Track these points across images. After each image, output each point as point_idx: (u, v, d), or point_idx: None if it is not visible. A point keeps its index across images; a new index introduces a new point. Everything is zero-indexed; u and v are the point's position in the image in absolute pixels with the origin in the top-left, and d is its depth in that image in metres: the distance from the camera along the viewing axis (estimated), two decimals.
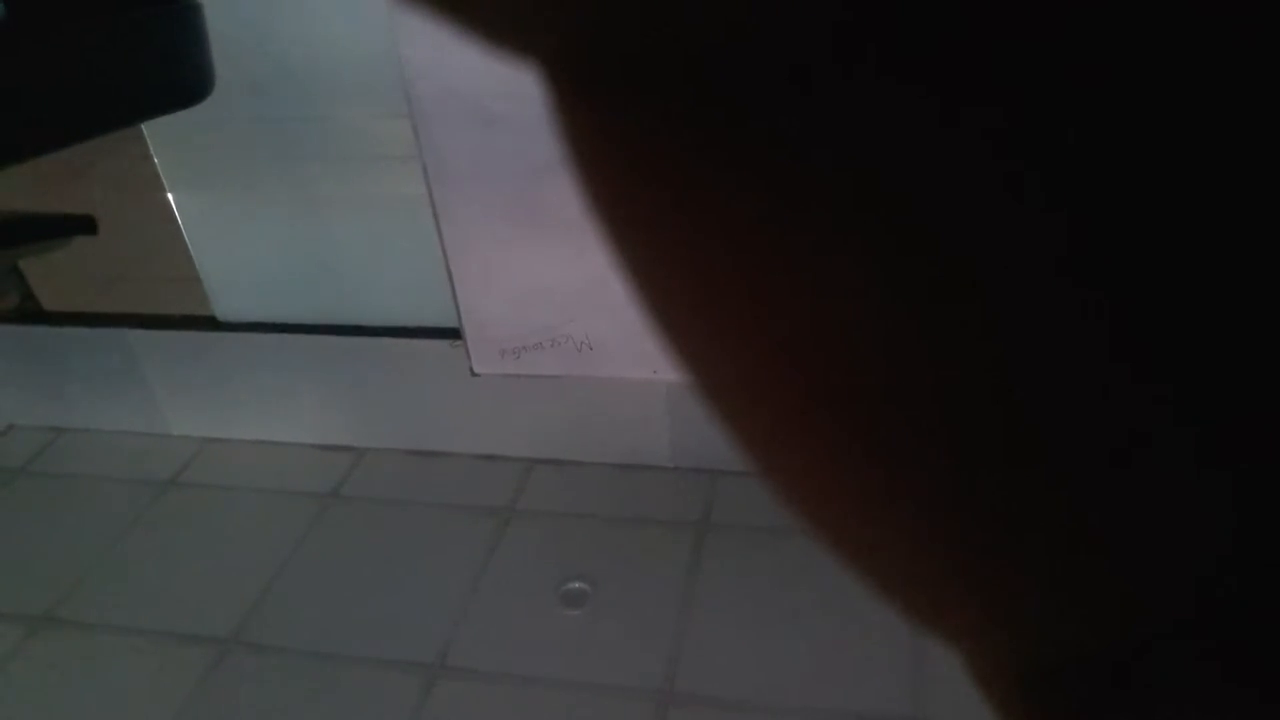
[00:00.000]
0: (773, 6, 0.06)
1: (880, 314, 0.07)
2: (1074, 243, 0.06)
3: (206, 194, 1.27)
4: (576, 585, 1.17)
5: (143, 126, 1.18)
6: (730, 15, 0.07)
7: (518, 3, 0.08)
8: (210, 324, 1.38)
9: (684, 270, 0.08)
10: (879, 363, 0.07)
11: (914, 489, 0.08)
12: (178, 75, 0.55)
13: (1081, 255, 0.06)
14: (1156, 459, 0.07)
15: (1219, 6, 0.06)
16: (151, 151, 1.23)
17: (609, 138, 0.08)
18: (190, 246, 1.31)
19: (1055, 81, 0.06)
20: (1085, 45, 0.06)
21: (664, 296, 0.09)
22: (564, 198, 1.02)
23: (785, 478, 0.09)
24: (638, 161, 0.08)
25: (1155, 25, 0.06)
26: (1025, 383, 0.07)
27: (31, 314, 1.46)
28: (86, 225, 0.64)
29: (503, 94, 0.99)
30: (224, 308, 1.36)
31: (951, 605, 0.09)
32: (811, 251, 0.07)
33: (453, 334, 1.22)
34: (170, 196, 1.27)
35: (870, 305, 0.07)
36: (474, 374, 1.21)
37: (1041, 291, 0.07)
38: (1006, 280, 0.07)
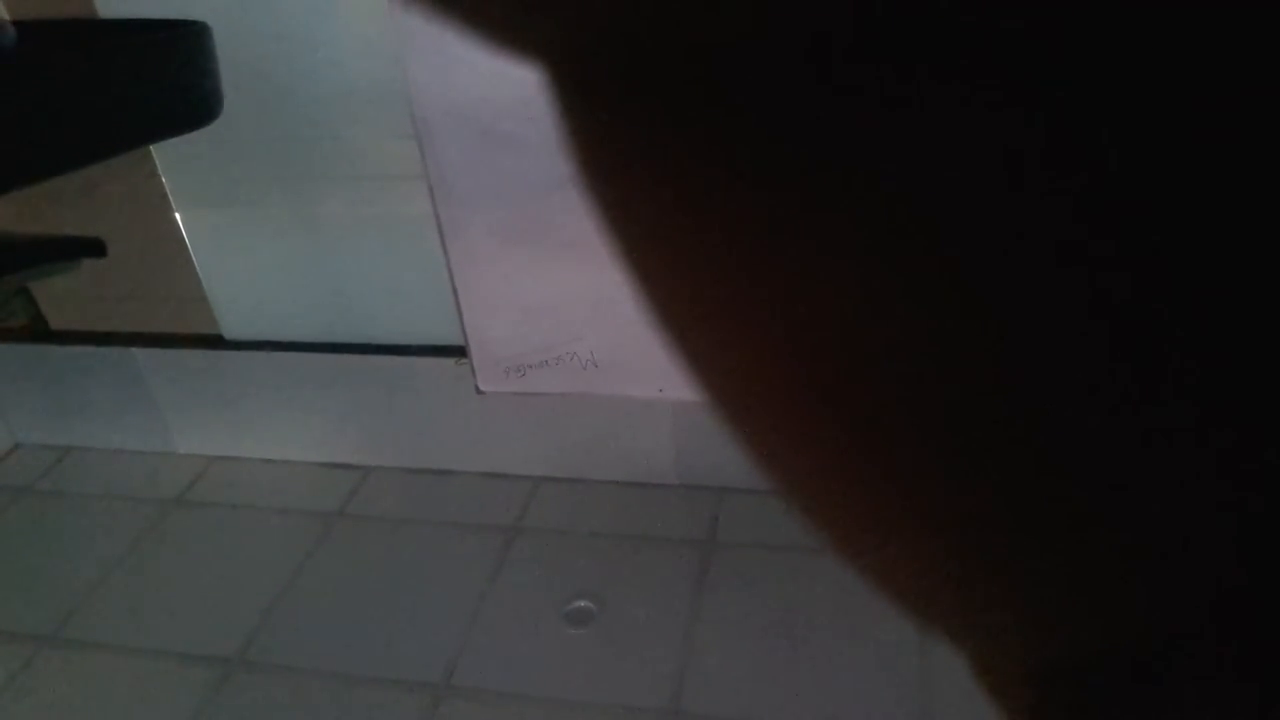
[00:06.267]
0: (779, 7, 0.06)
1: (885, 314, 0.07)
2: (1078, 243, 0.07)
3: (214, 213, 1.27)
4: (582, 604, 1.17)
5: (151, 146, 1.19)
6: (736, 16, 0.07)
7: (522, 2, 0.08)
8: (217, 343, 1.38)
9: (690, 273, 0.08)
10: (885, 363, 0.07)
11: (921, 490, 0.08)
12: (187, 97, 0.55)
13: (1086, 256, 0.07)
14: (1165, 459, 0.07)
15: (1222, 6, 0.06)
16: (159, 171, 1.24)
17: (613, 138, 0.08)
18: (197, 265, 1.31)
19: (1057, 81, 0.06)
20: (1087, 44, 0.06)
21: (670, 300, 0.09)
22: (569, 216, 1.03)
23: (792, 480, 0.09)
24: (642, 162, 0.08)
25: (1159, 23, 0.06)
26: (1031, 381, 0.07)
27: (39, 333, 1.46)
28: (95, 248, 0.64)
29: (508, 113, 1.00)
30: (231, 326, 1.37)
31: (959, 606, 0.09)
32: (817, 252, 0.07)
33: (458, 352, 1.22)
34: (178, 216, 1.28)
35: (875, 306, 0.07)
36: (479, 392, 1.20)
37: (1046, 291, 0.07)
38: (1011, 280, 0.07)
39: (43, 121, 0.47)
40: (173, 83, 0.55)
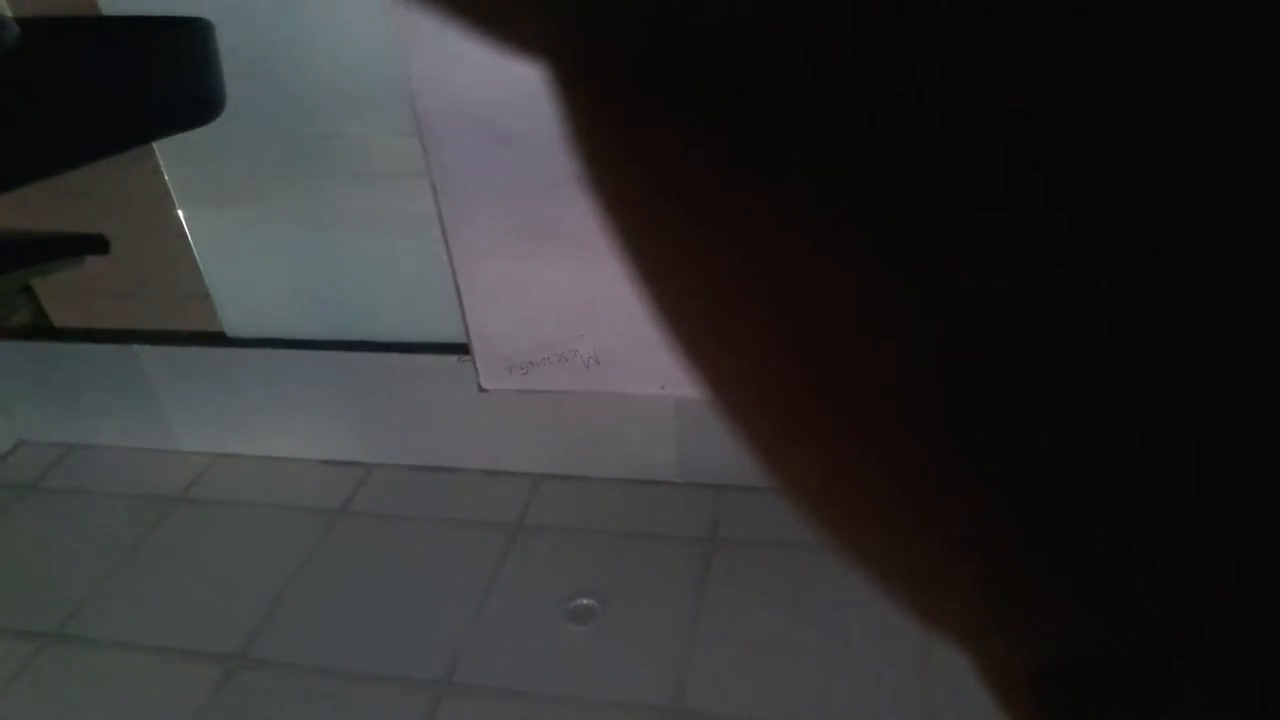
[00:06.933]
0: (780, 6, 0.06)
1: (886, 313, 0.07)
2: (1076, 241, 0.07)
3: (217, 210, 1.27)
4: (584, 601, 1.17)
5: (153, 143, 1.19)
6: (738, 15, 0.07)
7: (525, 2, 0.08)
8: (219, 340, 1.38)
9: (692, 271, 0.08)
10: (886, 362, 0.07)
11: (923, 489, 0.08)
12: (190, 95, 0.55)
13: (1084, 254, 0.07)
14: (1166, 459, 0.07)
15: (1219, 5, 0.06)
16: (162, 168, 1.24)
17: (617, 137, 0.08)
18: (200, 263, 1.32)
19: (1056, 79, 0.06)
20: (1087, 43, 0.06)
21: (672, 298, 0.09)
22: (572, 214, 1.03)
23: (794, 479, 0.09)
24: (644, 160, 0.08)
25: (1158, 23, 0.06)
26: (1031, 381, 0.07)
27: (41, 330, 1.47)
28: (98, 245, 0.64)
29: (511, 111, 1.00)
30: (233, 324, 1.37)
31: (962, 606, 0.09)
32: (817, 251, 0.07)
33: (461, 350, 1.22)
34: (180, 213, 1.28)
35: (876, 304, 0.07)
36: (482, 389, 1.21)
37: (1045, 290, 0.07)
38: (1010, 279, 0.07)
39: (46, 119, 0.48)
40: (175, 80, 0.55)
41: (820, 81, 0.07)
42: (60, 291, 1.43)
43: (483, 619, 1.16)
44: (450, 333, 1.22)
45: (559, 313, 1.13)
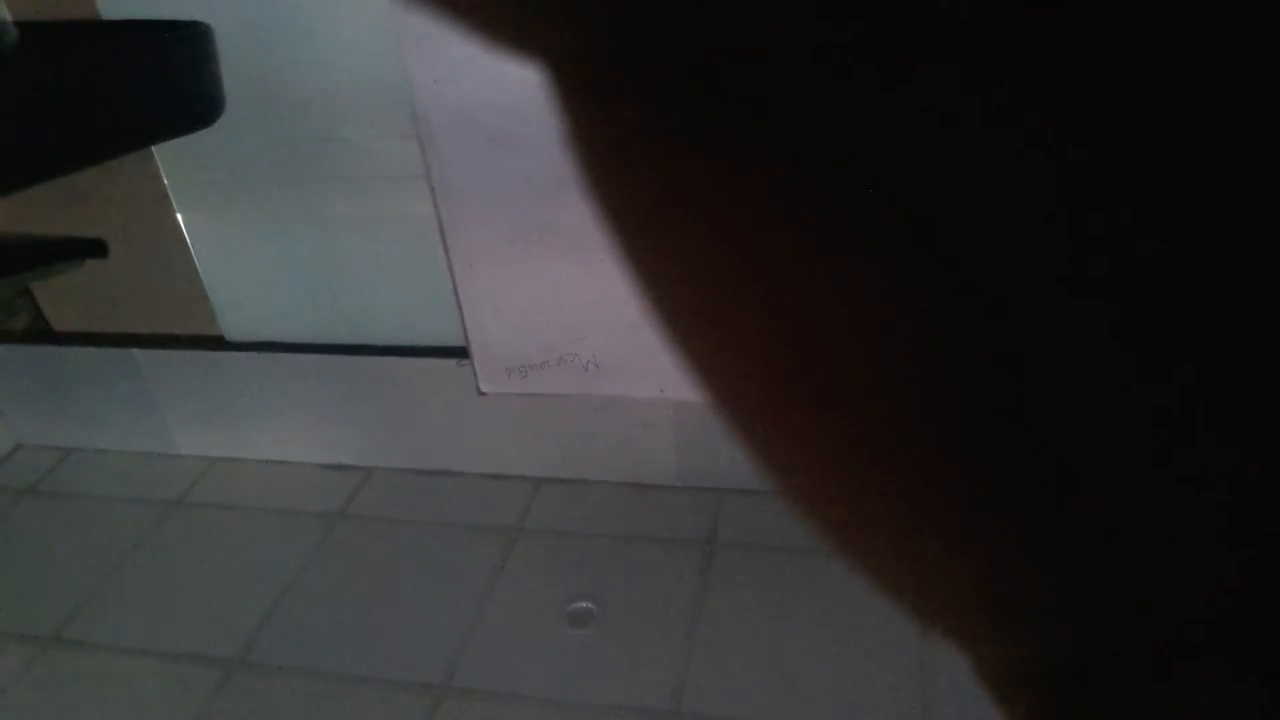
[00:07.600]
0: (781, 7, 0.06)
1: (886, 313, 0.07)
2: (1079, 242, 0.07)
3: (216, 214, 1.27)
4: (583, 605, 1.17)
5: (152, 147, 1.19)
6: (738, 15, 0.07)
7: (525, 3, 0.08)
8: (218, 343, 1.38)
9: (692, 273, 0.08)
10: (886, 363, 0.07)
11: (922, 489, 0.08)
12: (189, 99, 0.55)
13: (1087, 255, 0.07)
14: (1166, 460, 0.07)
15: (1219, 6, 0.06)
16: (161, 171, 1.24)
17: (616, 139, 0.08)
18: (199, 266, 1.31)
19: (1056, 78, 0.06)
20: (1086, 42, 0.06)
21: (673, 300, 0.09)
22: (571, 217, 1.03)
23: (794, 480, 0.09)
24: (644, 162, 0.08)
25: (1158, 22, 0.06)
26: (1032, 381, 0.07)
27: (41, 334, 1.46)
28: (97, 249, 0.64)
29: (510, 114, 1.00)
30: (232, 327, 1.37)
31: (962, 606, 0.09)
32: (818, 252, 0.07)
33: (459, 353, 1.22)
34: (179, 216, 1.28)
35: (876, 304, 0.07)
36: (480, 393, 1.21)
37: (1046, 290, 0.07)
38: (1011, 279, 0.07)
39: (45, 122, 0.48)
40: (175, 84, 0.55)
41: (821, 82, 0.07)
42: (59, 295, 1.43)
43: (482, 622, 1.16)
44: (449, 336, 1.22)
45: (558, 316, 1.13)
